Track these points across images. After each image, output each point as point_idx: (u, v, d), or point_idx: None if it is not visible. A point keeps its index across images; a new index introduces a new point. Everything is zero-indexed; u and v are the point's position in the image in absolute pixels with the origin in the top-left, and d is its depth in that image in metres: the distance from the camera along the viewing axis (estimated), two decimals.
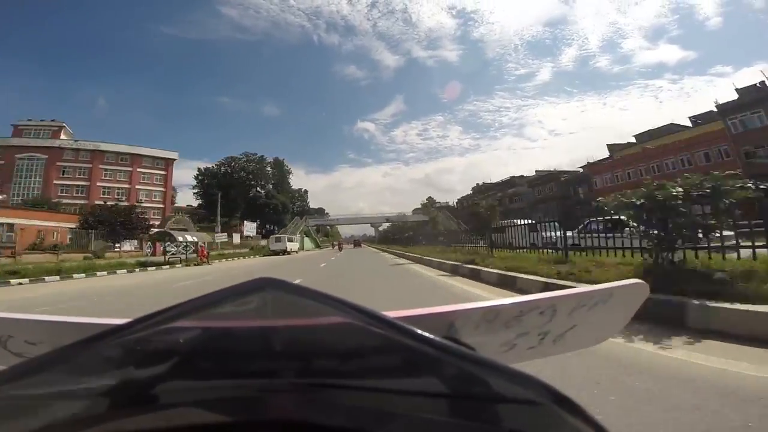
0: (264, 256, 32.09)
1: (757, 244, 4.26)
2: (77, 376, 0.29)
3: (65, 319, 0.52)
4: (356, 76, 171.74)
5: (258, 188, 71.26)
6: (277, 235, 39.89)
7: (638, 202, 4.28)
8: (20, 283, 10.66)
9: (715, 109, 28.22)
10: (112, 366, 0.30)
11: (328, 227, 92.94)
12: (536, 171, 54.29)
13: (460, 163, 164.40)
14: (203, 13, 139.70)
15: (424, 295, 6.61)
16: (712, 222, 4.09)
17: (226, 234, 38.92)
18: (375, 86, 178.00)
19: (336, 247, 45.94)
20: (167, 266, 18.23)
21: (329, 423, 0.26)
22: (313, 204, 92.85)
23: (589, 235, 7.18)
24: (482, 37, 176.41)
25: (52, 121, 46.99)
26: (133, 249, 27.40)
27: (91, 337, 0.29)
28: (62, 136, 46.15)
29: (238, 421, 0.26)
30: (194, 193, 73.87)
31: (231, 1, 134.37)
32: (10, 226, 25.61)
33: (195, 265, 19.32)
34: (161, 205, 50.98)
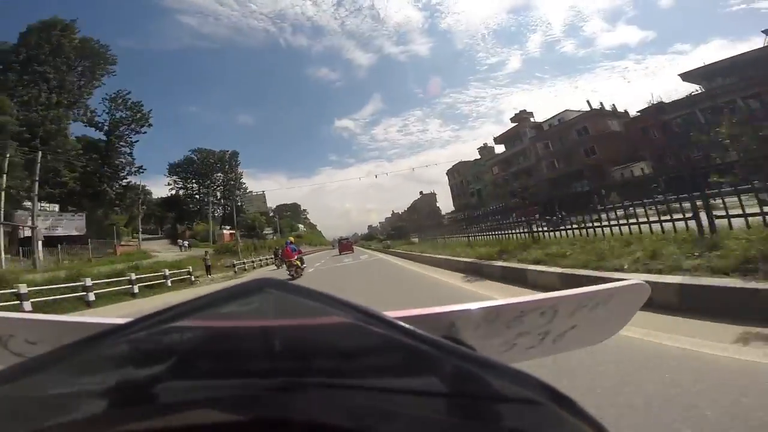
0: None
1: None
2: (77, 376, 0.30)
3: (66, 318, 0.52)
4: (330, 77, 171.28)
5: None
6: None
7: None
8: None
9: None
10: (112, 366, 0.30)
11: (300, 223, 70.41)
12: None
13: (442, 154, 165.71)
14: (160, 24, 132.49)
15: None
16: None
17: None
18: (350, 86, 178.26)
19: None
20: None
21: (329, 423, 0.26)
22: (279, 201, 72.98)
23: None
24: (450, 27, 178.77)
25: None
26: None
27: (92, 337, 0.29)
28: None
29: (238, 420, 0.26)
30: None
31: (188, 9, 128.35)
32: None
33: None
34: None
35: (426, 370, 0.29)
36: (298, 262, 12.96)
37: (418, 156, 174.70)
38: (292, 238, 16.60)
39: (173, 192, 49.14)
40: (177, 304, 0.30)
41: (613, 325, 0.57)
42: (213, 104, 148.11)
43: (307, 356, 0.31)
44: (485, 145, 53.11)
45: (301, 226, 75.44)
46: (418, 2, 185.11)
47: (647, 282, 0.54)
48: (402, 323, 0.29)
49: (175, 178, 50.70)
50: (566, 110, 38.50)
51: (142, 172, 40.87)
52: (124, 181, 38.87)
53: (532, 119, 41.44)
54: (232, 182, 54.06)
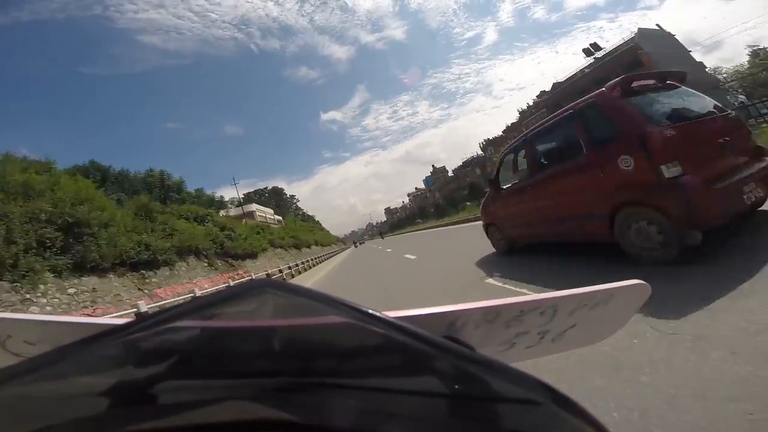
0: None
1: None
2: (76, 376, 0.29)
3: (65, 319, 0.52)
4: (311, 76, 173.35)
5: None
6: None
7: None
8: None
9: None
10: (111, 366, 0.30)
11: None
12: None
13: (436, 134, 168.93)
14: (123, 47, 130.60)
15: None
16: None
17: None
18: (333, 82, 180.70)
19: None
20: None
21: (329, 423, 0.26)
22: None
23: None
24: (420, 7, 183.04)
25: None
26: None
27: (91, 337, 0.28)
28: None
29: (238, 421, 0.26)
30: None
31: (146, 28, 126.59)
32: None
33: None
34: None
35: (426, 370, 0.29)
36: None
37: (413, 139, 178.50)
38: None
39: None
40: (177, 305, 0.30)
41: (613, 324, 0.56)
42: (198, 120, 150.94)
43: (306, 356, 0.31)
44: None
45: (277, 219, 44.44)
46: None
47: None
48: (401, 323, 0.29)
49: None
50: None
51: None
52: None
53: None
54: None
